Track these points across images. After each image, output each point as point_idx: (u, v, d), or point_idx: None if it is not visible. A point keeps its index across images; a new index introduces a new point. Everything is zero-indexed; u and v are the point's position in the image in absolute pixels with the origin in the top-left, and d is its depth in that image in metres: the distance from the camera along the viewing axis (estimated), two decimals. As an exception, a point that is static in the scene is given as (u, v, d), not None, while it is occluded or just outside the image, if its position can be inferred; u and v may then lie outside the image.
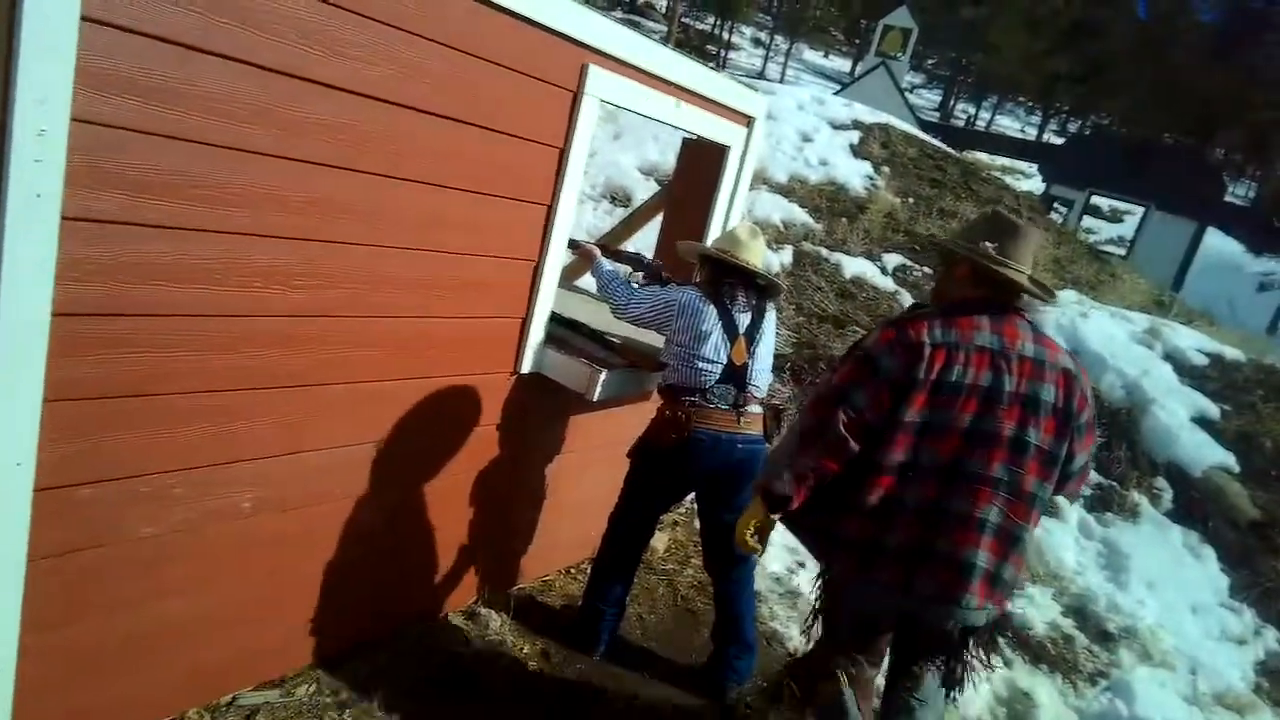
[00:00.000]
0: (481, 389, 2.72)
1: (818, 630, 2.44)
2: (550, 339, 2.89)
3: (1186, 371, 5.88)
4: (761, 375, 2.84)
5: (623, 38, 2.69)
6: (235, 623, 2.26)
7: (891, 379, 2.02)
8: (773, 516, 2.28)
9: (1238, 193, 37.82)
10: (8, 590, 1.71)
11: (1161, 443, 5.19)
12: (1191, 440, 5.18)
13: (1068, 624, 4.01)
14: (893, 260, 6.88)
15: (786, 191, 7.66)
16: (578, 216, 6.69)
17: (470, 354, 2.62)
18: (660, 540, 3.84)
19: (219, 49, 1.71)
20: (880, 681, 2.40)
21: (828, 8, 43.64)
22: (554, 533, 3.34)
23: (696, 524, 3.92)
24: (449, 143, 2.27)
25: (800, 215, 7.21)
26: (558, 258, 2.79)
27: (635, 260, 3.39)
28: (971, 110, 47.97)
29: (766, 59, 42.31)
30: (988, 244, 2.12)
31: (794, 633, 3.50)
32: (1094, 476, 5.10)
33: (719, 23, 43.16)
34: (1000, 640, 3.81)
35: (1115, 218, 24.49)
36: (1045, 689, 3.50)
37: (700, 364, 2.71)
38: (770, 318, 2.91)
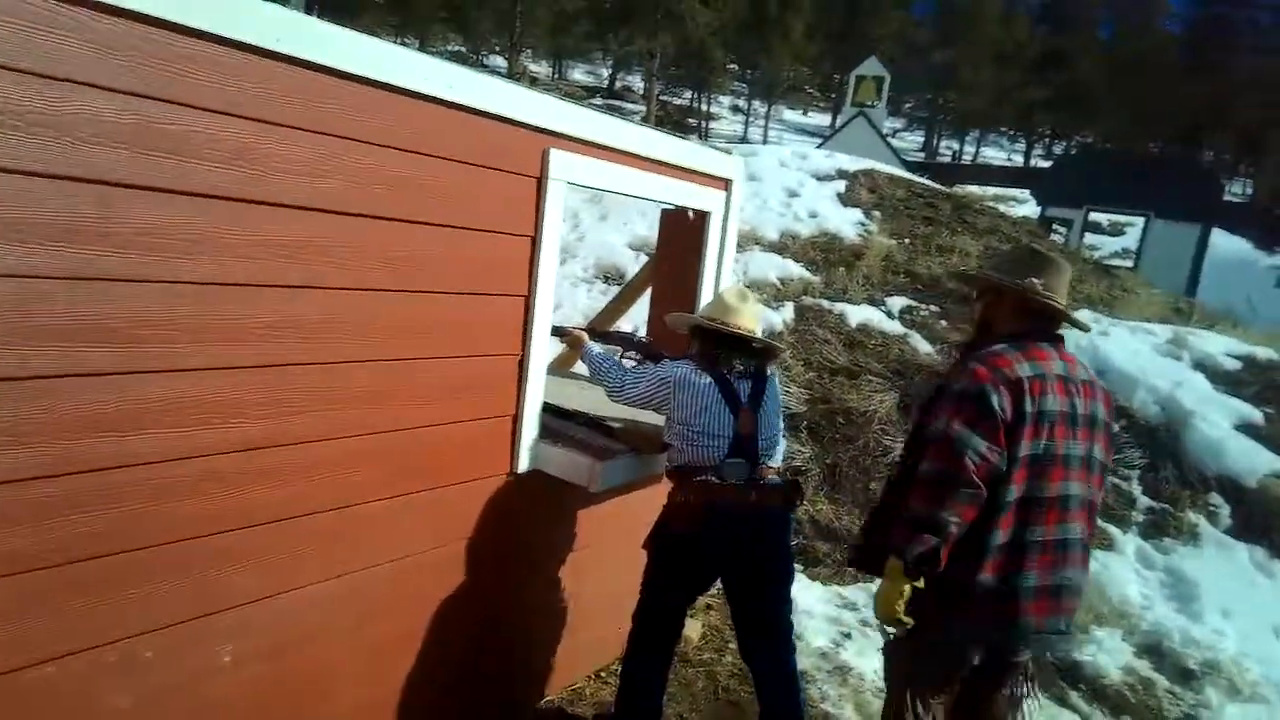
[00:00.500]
0: (478, 495, 2.56)
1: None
2: (545, 432, 2.74)
3: (1220, 378, 5.64)
4: (773, 443, 2.68)
5: (582, 118, 2.62)
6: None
7: (1003, 417, 2.05)
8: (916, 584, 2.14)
9: (1234, 191, 37.74)
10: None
11: (1209, 456, 4.92)
12: (1240, 449, 4.91)
13: (1144, 666, 3.71)
14: (897, 303, 6.74)
15: (780, 249, 7.60)
16: (573, 300, 6.63)
17: (462, 460, 2.48)
18: (693, 629, 3.61)
19: (147, 182, 1.62)
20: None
21: (799, 68, 44.74)
22: (577, 635, 3.14)
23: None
24: (413, 246, 2.18)
25: (796, 270, 7.13)
26: (543, 348, 2.67)
27: (626, 340, 3.27)
28: (955, 146, 48.59)
29: (747, 124, 43.29)
30: (1033, 279, 2.22)
31: (848, 713, 3.24)
32: (1144, 500, 4.83)
33: (696, 96, 44.32)
34: (1074, 694, 3.52)
35: (1116, 231, 24.38)
36: (1132, 744, 3.20)
37: (705, 440, 2.56)
38: (772, 382, 2.76)
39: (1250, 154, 39.04)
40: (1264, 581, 4.27)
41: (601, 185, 2.82)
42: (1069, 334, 2.38)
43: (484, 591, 2.64)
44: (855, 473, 4.86)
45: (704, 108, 43.96)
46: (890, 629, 2.25)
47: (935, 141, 47.09)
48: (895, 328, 6.31)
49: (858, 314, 6.39)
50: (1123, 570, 4.36)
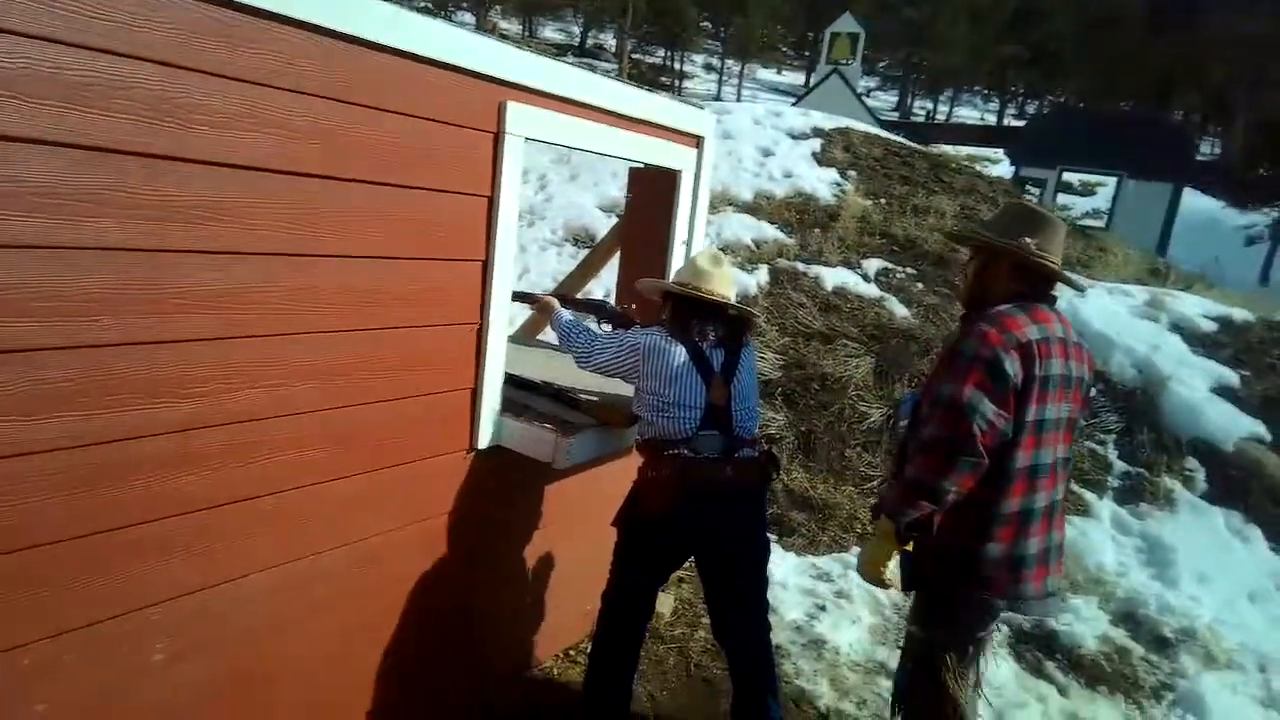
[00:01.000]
0: (435, 474, 2.41)
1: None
2: (508, 405, 2.59)
3: (1197, 340, 5.59)
4: (747, 415, 2.55)
5: (541, 69, 2.43)
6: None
7: (1014, 382, 2.00)
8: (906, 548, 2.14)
9: (1203, 151, 37.95)
10: None
11: (1185, 420, 4.87)
12: (1217, 413, 4.86)
13: (1120, 634, 3.67)
14: (873, 265, 6.61)
15: (754, 210, 7.42)
16: (543, 265, 6.43)
17: (417, 437, 2.32)
18: (664, 603, 3.51)
19: (48, 136, 1.43)
20: None
21: (773, 26, 44.11)
22: (545, 615, 3.03)
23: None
24: (358, 207, 2.00)
25: (771, 232, 6.96)
26: (503, 315, 2.50)
27: (597, 307, 3.11)
28: (929, 105, 48.35)
29: (721, 83, 42.70)
30: (1028, 239, 2.16)
31: (824, 689, 3.16)
32: (1120, 465, 4.79)
33: (669, 54, 43.62)
34: (1050, 664, 3.48)
35: (1087, 191, 24.46)
36: (1108, 714, 3.16)
37: (677, 411, 2.42)
38: (748, 351, 2.62)
39: (1218, 114, 39.20)
40: (1239, 547, 4.24)
41: (563, 141, 2.64)
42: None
43: (446, 574, 2.51)
44: (830, 440, 4.76)
45: (677, 66, 43.26)
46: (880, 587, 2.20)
47: (909, 101, 46.79)
48: (871, 291, 6.18)
49: (833, 277, 6.25)
50: (1099, 537, 4.32)
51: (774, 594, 3.55)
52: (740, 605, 2.55)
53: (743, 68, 43.66)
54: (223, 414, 1.83)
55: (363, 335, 2.10)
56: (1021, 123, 38.62)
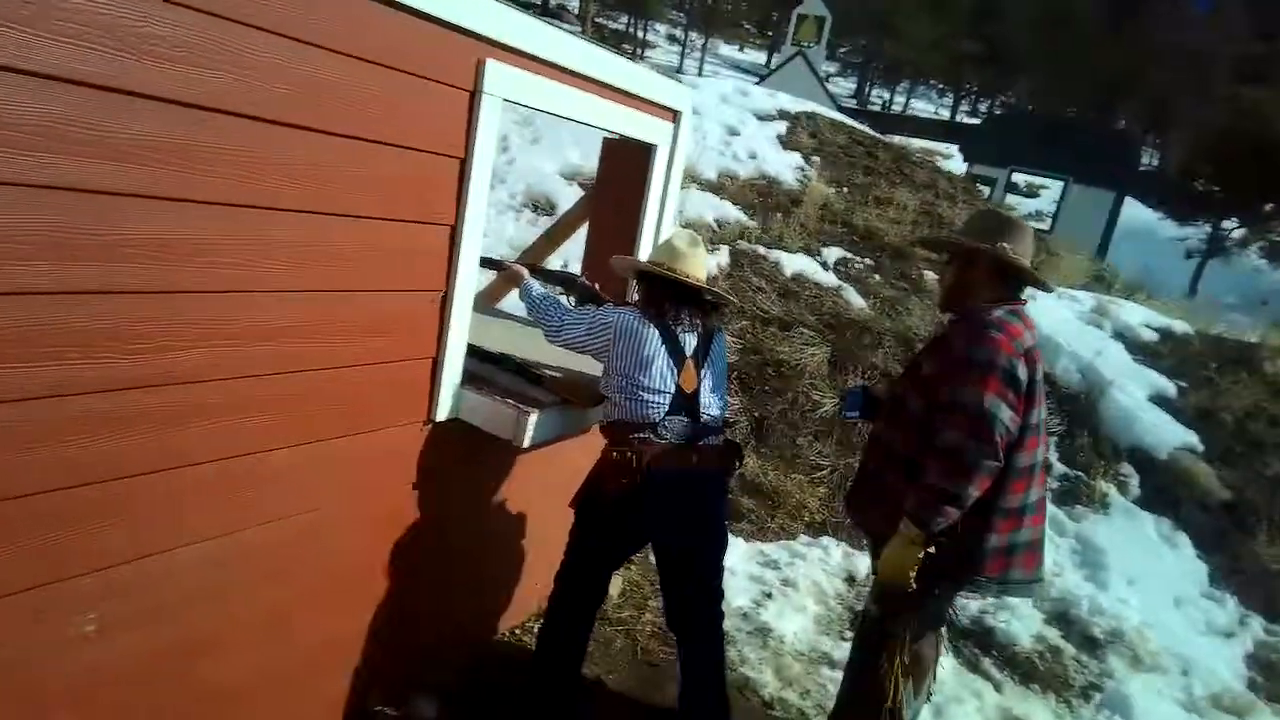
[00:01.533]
0: (389, 446, 2.30)
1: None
2: (468, 378, 2.48)
3: (1138, 349, 5.74)
4: (716, 402, 2.50)
5: (525, 27, 2.31)
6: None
7: (1023, 388, 2.10)
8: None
9: (1142, 160, 39.10)
10: None
11: (1123, 426, 5.00)
12: (1153, 421, 5.01)
13: (1053, 634, 3.76)
14: (833, 254, 6.61)
15: (717, 189, 7.34)
16: (499, 230, 6.26)
17: (373, 406, 2.21)
18: (613, 585, 3.45)
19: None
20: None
21: (738, 2, 43.85)
22: (498, 592, 2.96)
23: (653, 559, 3.57)
24: (323, 159, 1.87)
25: (734, 213, 6.90)
26: (469, 283, 2.39)
27: (568, 280, 3.00)
28: (886, 95, 48.79)
29: (683, 55, 42.38)
30: (1004, 244, 2.23)
31: (768, 678, 3.16)
32: (1059, 467, 4.90)
33: (633, 21, 43.06)
34: (987, 660, 3.54)
35: (1031, 193, 24.96)
36: (1040, 712, 3.23)
37: (645, 395, 2.36)
38: (719, 337, 2.56)
39: (1159, 124, 40.36)
40: (1168, 553, 4.38)
41: (542, 105, 2.52)
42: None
43: (394, 548, 2.41)
44: (784, 427, 4.76)
45: (640, 34, 42.74)
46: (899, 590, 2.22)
47: (867, 89, 47.13)
48: (830, 279, 6.18)
49: (793, 263, 6.23)
50: (1037, 535, 4.41)
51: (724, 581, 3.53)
52: (696, 593, 2.52)
53: (705, 42, 43.36)
54: (165, 373, 1.69)
55: (320, 296, 1.97)
56: (975, 120, 39.26)
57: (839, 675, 3.22)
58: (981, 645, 3.62)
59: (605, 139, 3.35)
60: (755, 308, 5.56)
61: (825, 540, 4.23)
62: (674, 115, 3.14)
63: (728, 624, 3.35)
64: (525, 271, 2.77)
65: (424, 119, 2.10)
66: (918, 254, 6.81)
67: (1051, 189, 21.32)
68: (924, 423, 2.19)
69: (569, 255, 5.07)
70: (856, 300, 6.02)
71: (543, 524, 2.99)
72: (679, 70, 37.11)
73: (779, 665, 3.25)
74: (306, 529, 2.12)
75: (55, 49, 1.36)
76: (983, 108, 49.15)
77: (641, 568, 3.64)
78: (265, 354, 1.88)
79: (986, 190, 17.89)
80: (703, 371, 2.45)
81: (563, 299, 2.78)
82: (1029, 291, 2.36)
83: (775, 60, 30.68)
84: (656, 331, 2.38)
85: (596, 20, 39.51)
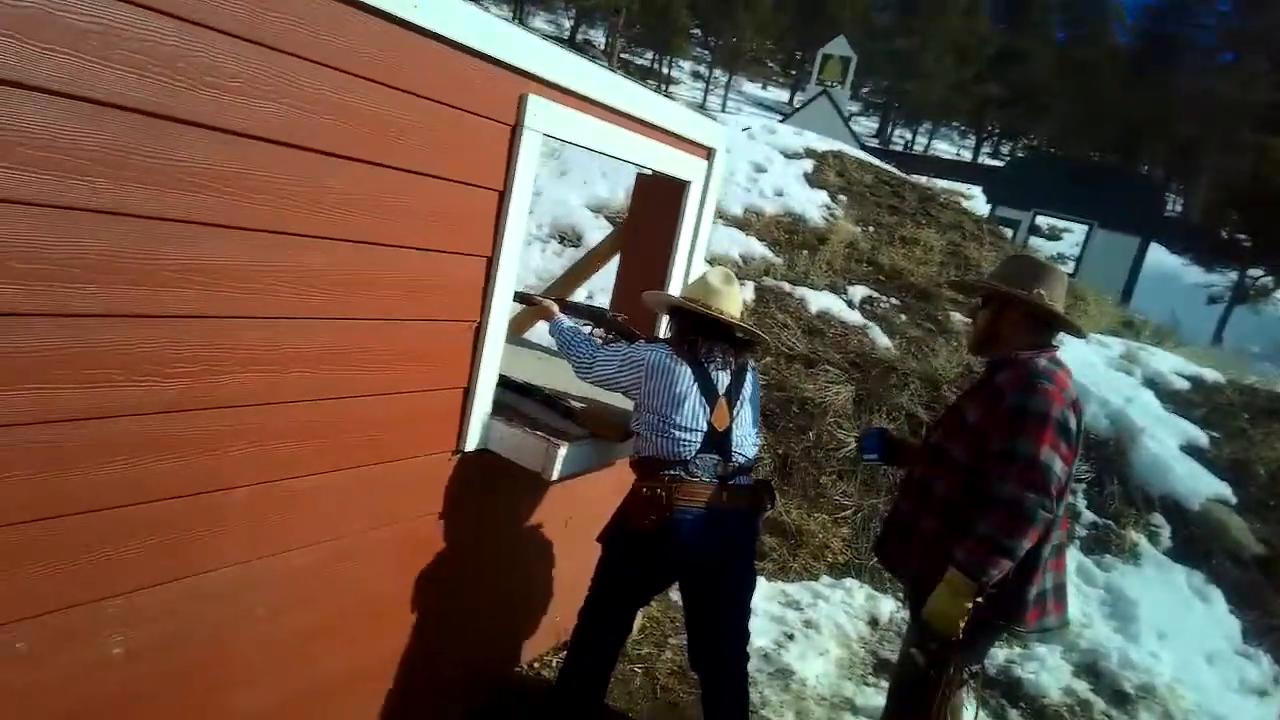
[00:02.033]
0: (418, 474, 2.30)
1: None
2: (497, 408, 2.48)
3: (1169, 397, 5.66)
4: (747, 441, 2.48)
5: (567, 63, 2.34)
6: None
7: (1074, 440, 2.12)
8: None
9: (1166, 207, 38.94)
10: None
11: (1154, 476, 4.91)
12: (1185, 472, 4.92)
13: (1082, 686, 3.66)
14: (859, 292, 6.59)
15: (743, 225, 7.37)
16: (526, 260, 6.30)
17: (403, 435, 2.21)
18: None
19: (34, 81, 1.29)
20: None
21: (763, 41, 44.38)
22: (519, 624, 2.93)
23: (673, 596, 3.52)
24: (366, 190, 1.88)
25: (759, 249, 6.91)
26: (503, 314, 2.40)
27: (598, 315, 3.00)
28: (908, 135, 49.03)
29: (706, 91, 42.82)
30: (1040, 290, 2.24)
31: (789, 721, 3.09)
32: (1088, 515, 4.81)
33: (657, 58, 43.63)
34: (1014, 712, 3.46)
35: (1054, 235, 24.90)
36: (1070, 768, 3.14)
37: (677, 432, 2.34)
38: (751, 374, 2.55)
39: (1183, 171, 40.28)
40: (1200, 606, 4.28)
41: (580, 141, 2.54)
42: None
43: (418, 577, 2.39)
44: (807, 465, 4.72)
45: (665, 70, 43.29)
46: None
47: (890, 129, 47.40)
48: (855, 318, 6.16)
49: (818, 300, 6.22)
50: (1065, 584, 4.32)
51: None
52: (721, 633, 2.48)
53: (729, 79, 43.84)
54: (205, 398, 1.70)
55: (357, 325, 1.98)
56: (997, 161, 39.32)
57: (862, 722, 3.17)
58: (1009, 696, 3.54)
59: (639, 175, 3.38)
60: (780, 344, 5.54)
61: (849, 582, 4.17)
62: (708, 153, 3.16)
63: (749, 664, 3.32)
64: (555, 306, 2.77)
65: (465, 152, 2.12)
66: (944, 294, 6.77)
67: (1075, 232, 21.25)
68: (969, 471, 2.17)
69: (594, 287, 5.10)
70: (882, 339, 5.99)
71: (567, 557, 2.97)
72: (702, 106, 37.51)
73: (800, 709, 3.18)
74: (334, 556, 2.11)
75: (116, 76, 1.38)
76: (1004, 150, 49.24)
77: (661, 604, 3.59)
78: (302, 380, 1.88)
79: (1010, 232, 17.91)
80: (735, 410, 2.44)
81: (592, 333, 2.78)
82: (1057, 336, 2.35)
83: (799, 99, 30.97)
84: (689, 369, 2.37)
85: (622, 55, 40.08)
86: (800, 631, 3.67)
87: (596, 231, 6.69)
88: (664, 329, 2.99)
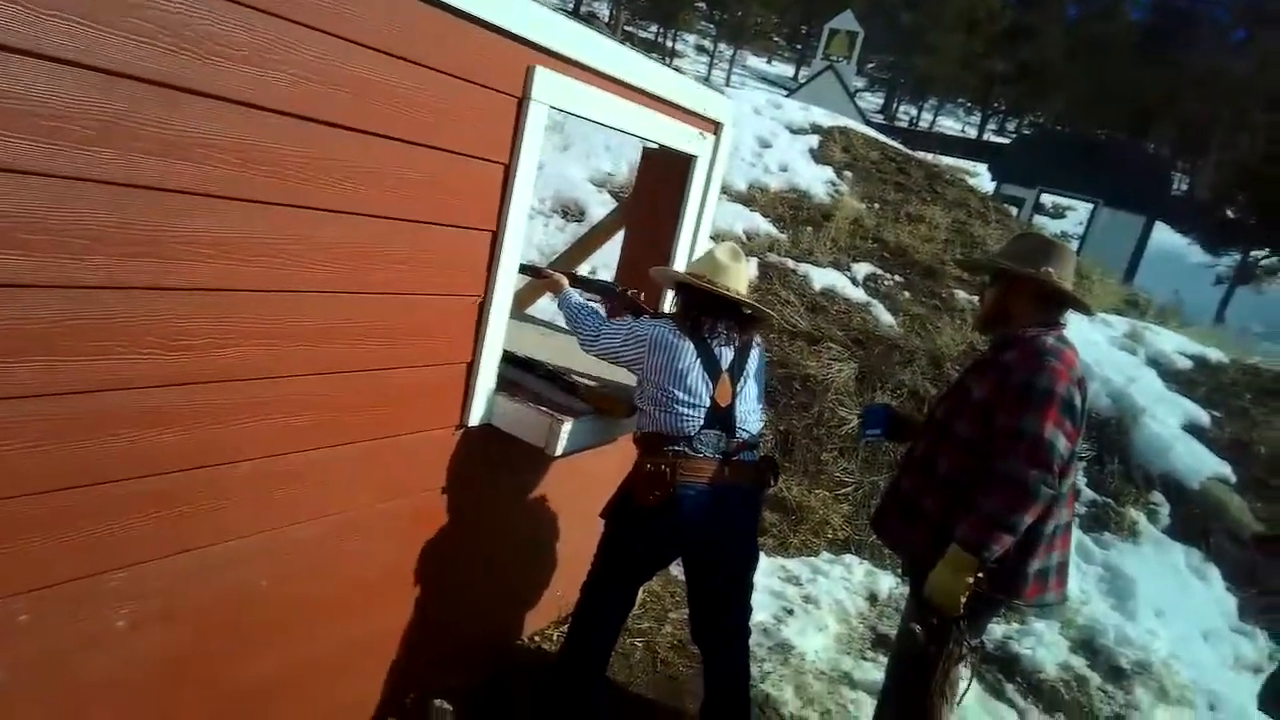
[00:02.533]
0: (422, 449, 2.30)
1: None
2: (501, 384, 2.48)
3: (1172, 377, 5.66)
4: (751, 417, 2.47)
5: (574, 34, 2.31)
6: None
7: (1079, 418, 2.11)
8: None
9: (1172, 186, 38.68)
10: None
11: (1155, 454, 4.92)
12: (1186, 451, 4.92)
13: (1079, 662, 3.69)
14: (862, 270, 6.56)
15: (747, 200, 7.32)
16: (528, 234, 6.27)
17: (407, 410, 2.20)
18: (634, 596, 3.43)
19: (49, 51, 1.28)
20: None
21: (768, 15, 43.88)
22: (523, 598, 2.95)
23: (673, 571, 3.55)
24: (370, 162, 1.87)
25: (763, 225, 6.88)
26: (508, 289, 2.38)
27: (607, 290, 2.99)
28: (913, 112, 48.62)
29: (711, 66, 42.41)
30: (1049, 268, 2.23)
31: (788, 696, 3.12)
32: (1088, 493, 4.82)
33: (662, 31, 43.18)
34: (1010, 686, 3.49)
35: (1057, 214, 24.78)
36: (1065, 743, 3.18)
37: (680, 408, 2.34)
38: (757, 351, 2.54)
39: (1189, 151, 39.97)
40: (1197, 584, 4.30)
41: (587, 114, 2.51)
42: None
43: (423, 551, 2.40)
44: (808, 442, 4.73)
45: (669, 44, 42.85)
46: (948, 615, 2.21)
47: (895, 105, 46.99)
48: (859, 295, 6.14)
49: (822, 277, 6.20)
50: (1063, 561, 4.35)
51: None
52: (724, 609, 2.50)
53: (734, 54, 43.40)
54: (211, 371, 1.69)
55: (362, 299, 1.97)
56: (1002, 139, 39.03)
57: (860, 696, 3.20)
58: (1006, 671, 3.57)
59: (645, 149, 3.35)
60: (783, 321, 5.53)
61: (848, 558, 4.19)
62: (716, 127, 3.13)
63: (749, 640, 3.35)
64: (564, 279, 2.76)
65: (472, 124, 2.10)
66: (948, 272, 6.75)
67: (1079, 210, 21.13)
68: (975, 448, 2.17)
69: (597, 262, 5.08)
70: (885, 317, 5.98)
71: (570, 531, 2.98)
72: (707, 80, 37.17)
73: (800, 683, 3.21)
74: (338, 529, 2.11)
75: (123, 45, 1.36)
76: (1010, 127, 48.85)
77: (661, 579, 3.62)
78: (308, 354, 1.88)
79: (1015, 210, 17.81)
80: (739, 386, 2.43)
81: (599, 308, 2.78)
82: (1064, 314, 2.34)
83: (804, 74, 30.67)
84: (691, 344, 2.37)
85: (626, 29, 39.67)
86: (800, 607, 3.70)
87: (599, 206, 6.65)
88: (669, 303, 2.98)
